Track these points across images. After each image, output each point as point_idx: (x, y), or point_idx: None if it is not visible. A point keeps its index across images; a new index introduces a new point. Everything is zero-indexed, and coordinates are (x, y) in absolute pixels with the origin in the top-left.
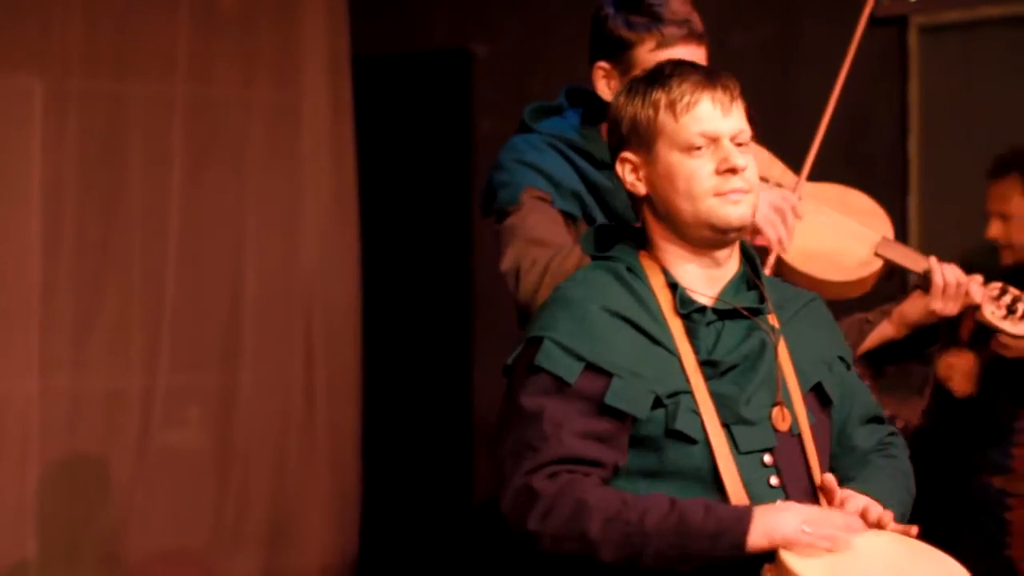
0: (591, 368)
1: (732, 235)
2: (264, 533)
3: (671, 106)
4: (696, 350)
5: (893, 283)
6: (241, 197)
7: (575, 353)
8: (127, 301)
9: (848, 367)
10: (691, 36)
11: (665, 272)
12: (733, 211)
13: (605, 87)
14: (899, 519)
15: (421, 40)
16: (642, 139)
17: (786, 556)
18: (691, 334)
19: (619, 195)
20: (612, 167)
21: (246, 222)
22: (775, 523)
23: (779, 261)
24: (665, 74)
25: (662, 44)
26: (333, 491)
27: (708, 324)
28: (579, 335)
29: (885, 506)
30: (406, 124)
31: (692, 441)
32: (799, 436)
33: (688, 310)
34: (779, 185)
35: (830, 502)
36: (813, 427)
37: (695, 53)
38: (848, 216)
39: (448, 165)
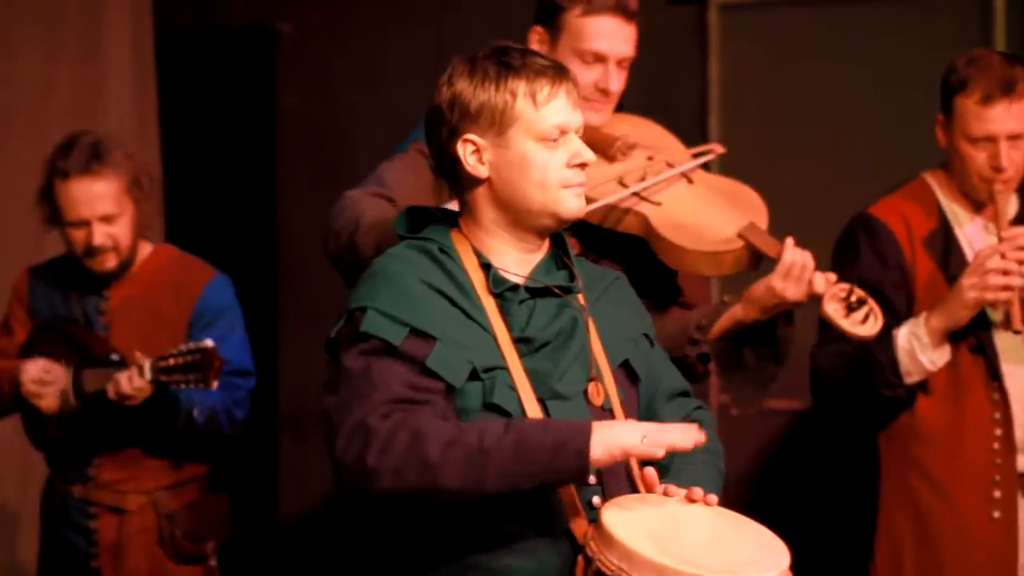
0: (415, 332)
1: (567, 225)
2: None
3: (531, 95)
4: (509, 327)
5: None
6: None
7: (399, 319)
8: None
9: (652, 344)
10: (618, 10)
11: (478, 253)
12: (576, 203)
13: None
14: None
15: (224, 17)
16: (494, 123)
17: (609, 523)
18: (504, 312)
19: None
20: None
21: None
22: (615, 436)
23: (647, 226)
24: (517, 63)
25: (588, 11)
26: None
27: (521, 302)
28: (401, 303)
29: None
30: (210, 101)
31: (509, 415)
32: (611, 411)
33: (501, 289)
34: (668, 164)
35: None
36: (623, 402)
37: (621, 28)
38: (729, 205)
39: (252, 141)
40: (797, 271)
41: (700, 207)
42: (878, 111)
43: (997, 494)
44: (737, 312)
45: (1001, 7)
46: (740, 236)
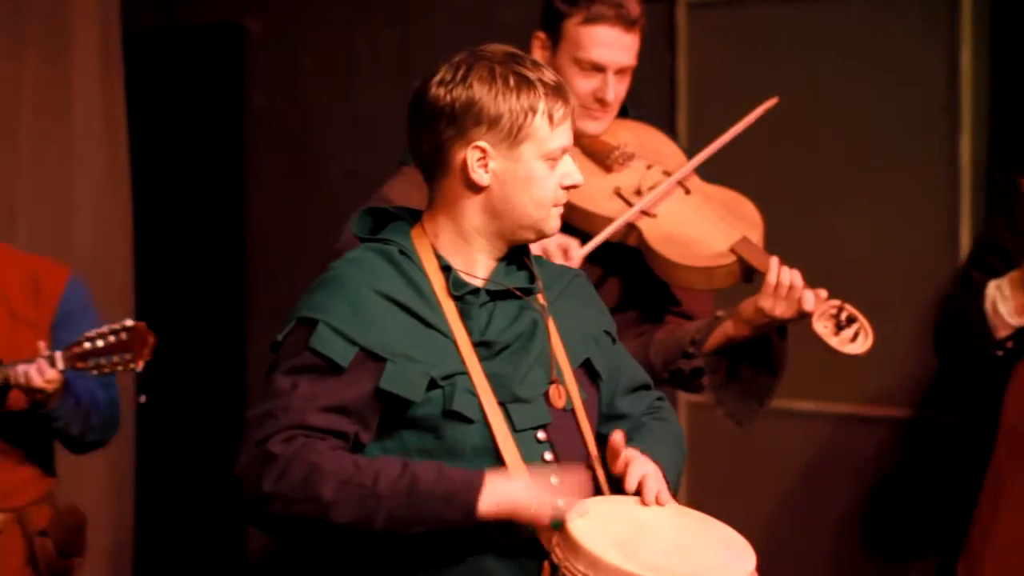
0: (365, 352)
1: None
2: None
3: (549, 115)
4: (469, 331)
5: None
6: (11, 174)
7: (349, 338)
8: None
9: (614, 340)
10: (619, 19)
11: (438, 256)
12: (558, 222)
13: (539, 58)
14: (673, 479)
15: (192, 15)
16: (509, 136)
17: (574, 529)
18: (464, 315)
19: None
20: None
21: (17, 199)
22: (508, 492)
23: (640, 239)
24: (533, 76)
25: (588, 20)
26: (108, 473)
27: (481, 305)
28: (353, 319)
29: (661, 465)
30: (178, 99)
31: (469, 421)
32: (572, 412)
33: (461, 292)
34: (666, 173)
35: (614, 459)
36: (585, 402)
37: (620, 37)
38: (724, 217)
39: (221, 140)
40: (784, 291)
41: (694, 219)
42: (847, 107)
43: None
44: (728, 329)
45: (968, 2)
46: (732, 251)
